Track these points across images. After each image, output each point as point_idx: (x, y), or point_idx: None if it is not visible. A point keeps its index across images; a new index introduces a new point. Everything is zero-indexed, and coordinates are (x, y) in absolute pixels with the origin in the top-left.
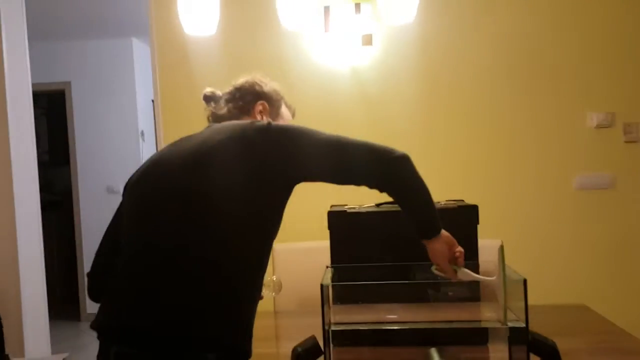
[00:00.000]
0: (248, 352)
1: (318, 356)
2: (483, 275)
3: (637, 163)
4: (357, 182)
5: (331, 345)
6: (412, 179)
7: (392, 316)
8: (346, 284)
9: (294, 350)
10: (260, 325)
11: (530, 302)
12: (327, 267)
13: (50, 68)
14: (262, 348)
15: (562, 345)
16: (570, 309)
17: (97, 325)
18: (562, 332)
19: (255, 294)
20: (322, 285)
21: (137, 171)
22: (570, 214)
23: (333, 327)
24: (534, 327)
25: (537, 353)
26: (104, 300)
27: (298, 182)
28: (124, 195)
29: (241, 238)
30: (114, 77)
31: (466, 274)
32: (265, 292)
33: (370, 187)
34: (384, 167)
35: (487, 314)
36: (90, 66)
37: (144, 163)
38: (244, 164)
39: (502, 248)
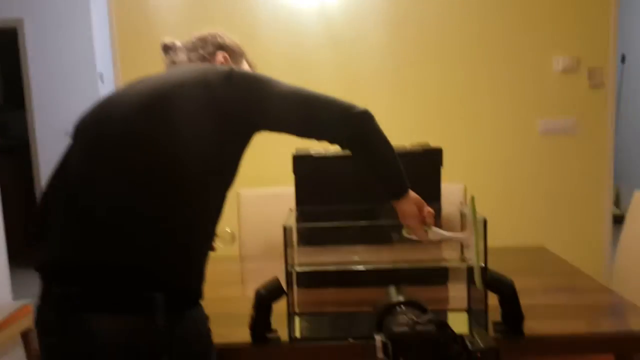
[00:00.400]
0: (199, 294)
1: (280, 297)
2: (446, 220)
3: (600, 108)
4: (320, 137)
5: (294, 286)
6: (375, 137)
7: (355, 257)
8: (309, 225)
9: (257, 292)
10: (226, 270)
11: (490, 244)
12: (290, 209)
13: (0, 3)
14: (227, 292)
15: (519, 284)
16: (528, 250)
17: (39, 264)
18: (520, 272)
19: (209, 240)
20: (284, 227)
21: (88, 112)
22: (533, 158)
23: (296, 269)
24: (494, 267)
25: (495, 291)
26: (47, 239)
27: (259, 132)
28: (73, 137)
29: (198, 186)
30: (68, 14)
31: (437, 233)
32: (218, 243)
33: (332, 143)
34: (346, 124)
35: (447, 255)
36: (44, 2)
37: (96, 103)
38: (204, 111)
39: (472, 200)
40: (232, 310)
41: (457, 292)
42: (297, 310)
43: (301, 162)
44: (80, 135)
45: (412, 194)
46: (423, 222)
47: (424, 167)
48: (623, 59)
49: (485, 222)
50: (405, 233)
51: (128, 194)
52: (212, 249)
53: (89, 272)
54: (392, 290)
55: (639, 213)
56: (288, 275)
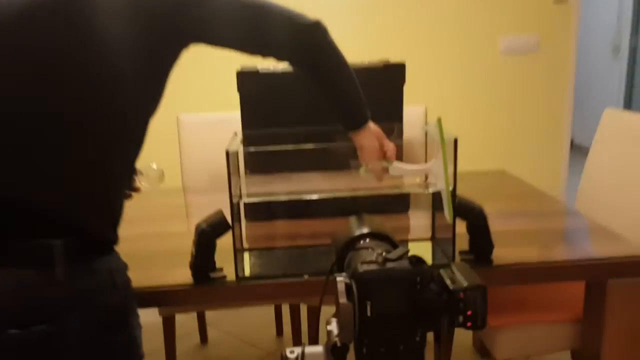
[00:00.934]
0: (112, 240)
1: (225, 232)
2: (407, 144)
3: (564, 25)
4: (264, 52)
5: (242, 219)
6: (328, 53)
7: (309, 185)
8: (257, 150)
9: (198, 226)
10: (168, 203)
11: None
12: (235, 133)
13: None
14: (168, 227)
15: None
16: (489, 174)
17: None
18: (483, 196)
19: (123, 176)
20: (227, 152)
21: None
22: (494, 77)
23: (243, 200)
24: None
25: (463, 218)
26: None
27: (190, 44)
28: None
29: (111, 103)
30: None
31: (399, 168)
32: (142, 182)
33: (278, 59)
34: (295, 35)
35: (409, 180)
36: None
37: None
38: (122, 8)
39: (439, 122)
40: (173, 247)
41: (419, 220)
42: (244, 245)
43: (246, 80)
44: None
45: (372, 125)
46: (383, 157)
47: (385, 84)
48: None
49: (455, 142)
50: (363, 171)
51: (13, 111)
52: (133, 188)
53: None
54: (354, 221)
55: (609, 131)
56: (233, 207)
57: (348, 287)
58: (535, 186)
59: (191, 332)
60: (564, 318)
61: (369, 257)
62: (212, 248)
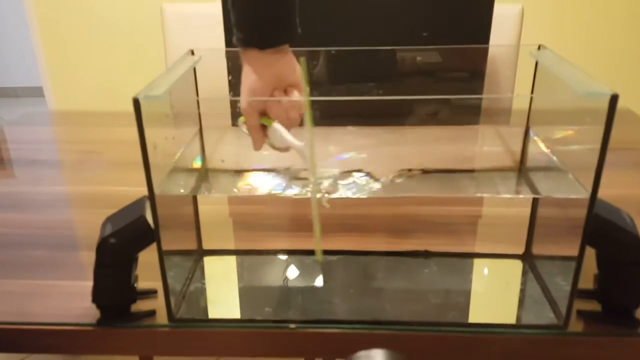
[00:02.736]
0: None
1: (150, 243)
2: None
3: None
4: None
5: (199, 200)
6: None
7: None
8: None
9: (102, 230)
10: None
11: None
12: (191, 51)
13: None
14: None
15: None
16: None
17: None
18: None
19: None
20: (136, 102)
21: None
22: None
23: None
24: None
25: (596, 243)
26: None
27: None
28: None
29: None
30: None
31: (278, 134)
32: None
33: None
34: None
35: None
36: None
37: None
38: None
39: (304, 62)
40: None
41: (508, 209)
42: (204, 246)
43: None
44: None
45: (283, 54)
46: (264, 111)
47: None
48: None
49: (614, 101)
50: (241, 121)
51: None
52: None
53: None
54: None
55: None
56: (154, 198)
57: None
58: None
59: None
60: None
61: None
62: (127, 269)
